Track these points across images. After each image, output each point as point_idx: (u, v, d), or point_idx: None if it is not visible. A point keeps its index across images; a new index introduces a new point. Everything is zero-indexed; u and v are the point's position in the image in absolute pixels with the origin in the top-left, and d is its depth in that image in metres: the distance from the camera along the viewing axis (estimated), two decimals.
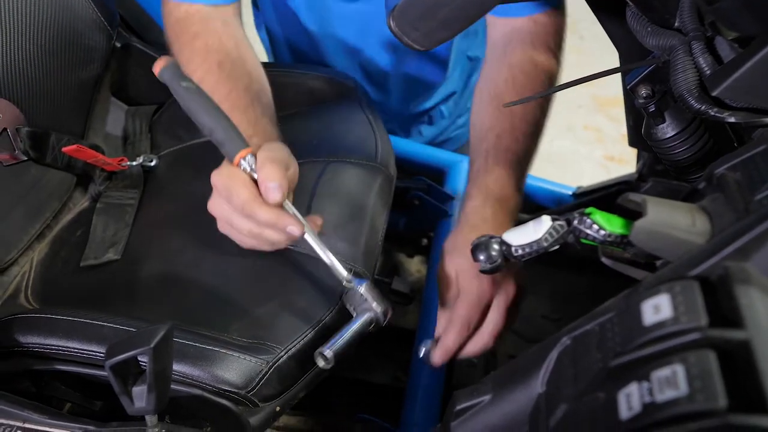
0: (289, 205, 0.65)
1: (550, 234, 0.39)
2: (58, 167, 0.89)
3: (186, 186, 0.87)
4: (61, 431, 0.54)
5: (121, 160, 0.92)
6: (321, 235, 0.70)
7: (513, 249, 0.40)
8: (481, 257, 0.41)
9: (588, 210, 0.39)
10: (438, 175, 1.08)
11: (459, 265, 0.71)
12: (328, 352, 0.60)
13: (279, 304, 0.68)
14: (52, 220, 0.90)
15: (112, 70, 1.01)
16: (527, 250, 0.39)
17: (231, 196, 0.65)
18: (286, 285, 0.70)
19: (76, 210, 0.93)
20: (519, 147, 0.78)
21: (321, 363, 0.61)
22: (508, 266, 0.42)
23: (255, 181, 0.64)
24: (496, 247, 0.40)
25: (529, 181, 1.12)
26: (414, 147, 1.12)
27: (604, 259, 0.41)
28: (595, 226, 0.38)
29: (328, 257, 0.64)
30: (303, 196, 0.79)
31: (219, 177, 0.66)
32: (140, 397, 0.47)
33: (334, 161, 0.84)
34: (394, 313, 0.98)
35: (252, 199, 0.63)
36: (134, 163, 0.92)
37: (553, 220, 0.39)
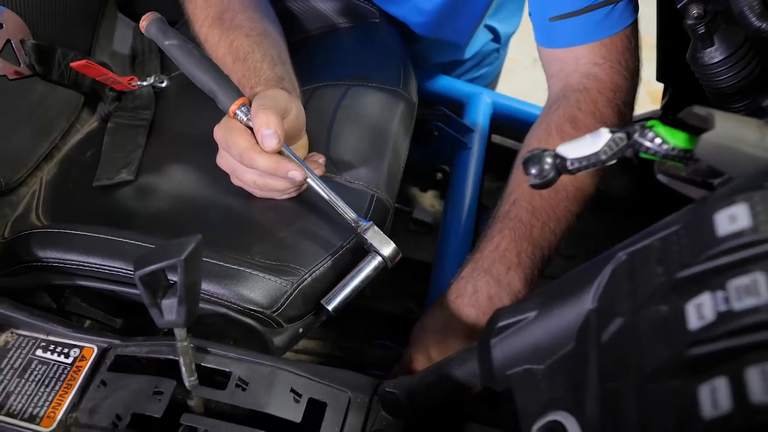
0: (288, 150, 0.64)
1: (609, 147, 0.37)
2: (65, 84, 0.86)
3: (199, 109, 0.84)
4: (85, 344, 0.54)
5: (131, 79, 0.88)
6: (329, 176, 0.70)
7: (568, 162, 0.38)
8: (533, 171, 0.39)
9: (650, 123, 0.37)
10: (457, 107, 1.05)
11: (433, 360, 0.64)
12: (331, 305, 0.62)
13: (301, 228, 0.67)
14: (60, 140, 0.88)
15: None
16: (584, 163, 0.37)
17: (230, 148, 0.65)
18: (308, 210, 0.68)
19: (84, 130, 0.90)
20: (533, 220, 0.67)
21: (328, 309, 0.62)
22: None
23: (253, 131, 0.64)
24: (549, 160, 0.38)
25: (539, 113, 1.09)
26: (433, 77, 1.08)
27: (660, 177, 0.39)
28: (658, 140, 0.36)
29: (333, 199, 0.64)
30: (323, 120, 0.77)
31: (218, 130, 0.67)
32: (170, 309, 0.46)
33: (356, 85, 0.81)
34: (410, 246, 0.97)
35: (249, 148, 0.63)
36: (145, 84, 0.89)
37: (612, 132, 0.37)
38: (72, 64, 0.82)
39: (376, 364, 0.78)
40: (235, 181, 0.69)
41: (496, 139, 1.12)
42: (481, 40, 1.10)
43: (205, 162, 0.75)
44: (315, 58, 0.86)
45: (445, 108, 1.00)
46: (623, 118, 0.73)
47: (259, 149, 0.63)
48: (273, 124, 0.62)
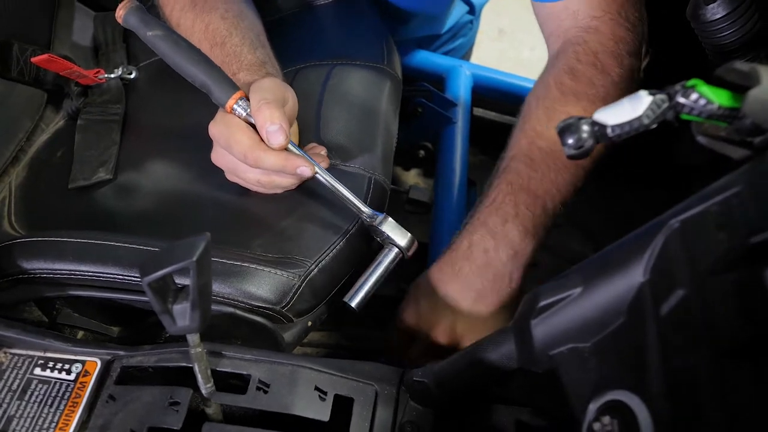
0: (293, 145, 0.61)
1: (652, 110, 0.35)
2: (26, 82, 0.81)
3: (174, 99, 0.80)
4: (87, 358, 0.50)
5: (97, 72, 0.83)
6: (332, 167, 0.67)
7: (609, 129, 0.36)
8: (569, 141, 0.37)
9: (691, 82, 0.35)
10: (437, 81, 1.02)
11: (421, 312, 0.64)
12: (354, 301, 0.59)
13: (301, 217, 0.64)
14: (26, 141, 0.82)
15: None
16: (626, 129, 0.36)
17: (231, 147, 0.60)
18: (305, 198, 0.65)
19: (51, 130, 0.84)
20: (531, 172, 0.63)
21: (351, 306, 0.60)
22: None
23: (253, 126, 0.60)
24: (586, 128, 0.36)
25: (519, 83, 1.07)
26: (410, 52, 1.05)
27: (699, 138, 0.38)
28: (702, 100, 0.35)
29: (345, 193, 0.61)
30: (310, 103, 0.73)
31: (215, 127, 0.62)
32: (182, 315, 0.43)
33: (340, 64, 0.77)
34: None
35: (254, 146, 0.59)
36: (112, 76, 0.83)
37: (652, 94, 0.36)
38: (33, 59, 0.76)
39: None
40: (231, 177, 0.65)
41: (478, 112, 1.10)
42: (457, 12, 1.07)
43: (189, 155, 0.71)
44: (293, 37, 0.82)
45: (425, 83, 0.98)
46: (629, 67, 0.69)
47: (265, 147, 0.59)
48: (278, 118, 0.58)
